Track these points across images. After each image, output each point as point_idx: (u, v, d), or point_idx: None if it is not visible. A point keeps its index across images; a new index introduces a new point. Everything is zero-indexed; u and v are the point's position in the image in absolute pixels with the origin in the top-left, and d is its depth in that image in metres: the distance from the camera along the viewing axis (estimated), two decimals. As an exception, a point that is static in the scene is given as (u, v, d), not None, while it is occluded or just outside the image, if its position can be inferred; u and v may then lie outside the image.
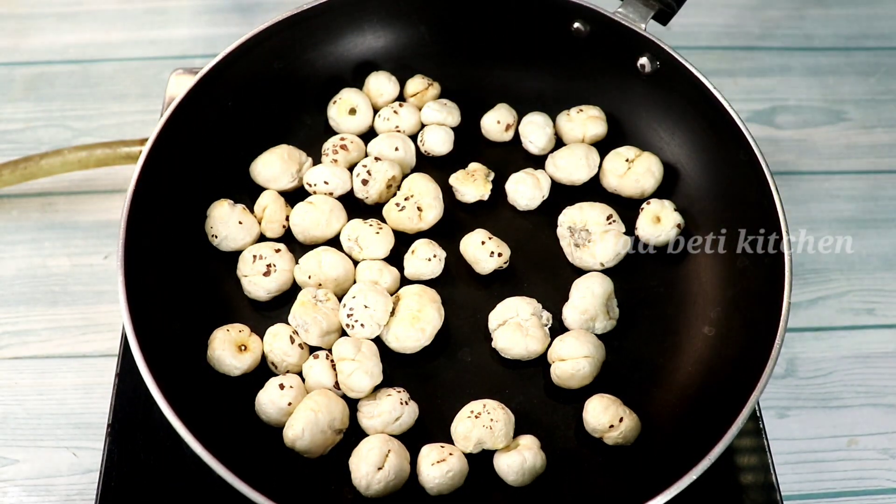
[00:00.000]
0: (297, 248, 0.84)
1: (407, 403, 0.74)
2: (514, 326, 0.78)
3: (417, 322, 0.76)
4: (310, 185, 0.85)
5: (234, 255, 0.82)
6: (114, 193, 1.00)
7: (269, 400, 0.74)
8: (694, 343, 0.80)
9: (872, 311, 0.96)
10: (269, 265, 0.80)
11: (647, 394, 0.78)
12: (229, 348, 0.76)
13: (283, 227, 0.84)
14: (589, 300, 0.79)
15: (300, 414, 0.72)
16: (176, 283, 0.79)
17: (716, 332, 0.80)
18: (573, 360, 0.76)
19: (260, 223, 0.84)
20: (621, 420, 0.74)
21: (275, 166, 0.85)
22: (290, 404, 0.74)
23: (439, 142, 0.89)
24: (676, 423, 0.76)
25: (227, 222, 0.82)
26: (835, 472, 0.86)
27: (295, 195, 0.86)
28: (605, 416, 0.74)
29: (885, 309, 0.96)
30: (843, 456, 0.87)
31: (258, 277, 0.80)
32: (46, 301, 0.93)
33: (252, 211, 0.85)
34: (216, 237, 0.82)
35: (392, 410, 0.74)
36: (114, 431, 0.78)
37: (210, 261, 0.83)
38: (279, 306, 0.81)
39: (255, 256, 0.81)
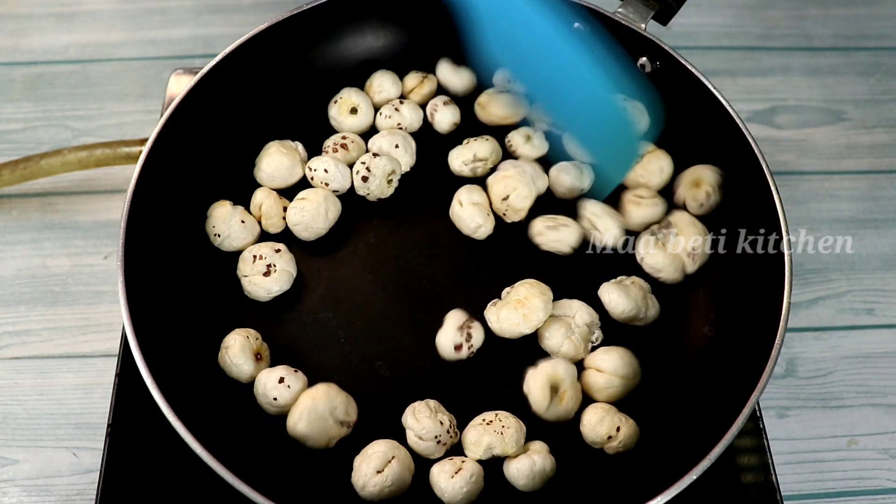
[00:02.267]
0: (298, 247, 0.84)
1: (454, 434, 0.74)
2: (564, 323, 0.78)
3: (521, 307, 0.76)
4: (310, 170, 0.85)
5: (235, 255, 0.82)
6: (114, 193, 1.00)
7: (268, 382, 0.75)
8: (694, 343, 0.80)
9: (872, 311, 0.96)
10: (269, 265, 0.80)
11: (646, 395, 0.78)
12: (248, 355, 0.76)
13: (283, 218, 0.84)
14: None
15: (301, 401, 0.73)
16: (176, 283, 0.79)
17: (716, 332, 0.80)
18: (610, 375, 0.76)
19: (259, 221, 0.84)
20: (618, 429, 0.73)
21: (279, 164, 0.85)
22: (289, 387, 0.74)
23: (448, 119, 0.90)
24: (676, 424, 0.76)
25: (229, 221, 0.82)
26: (835, 472, 0.86)
27: (298, 191, 0.86)
28: (601, 427, 0.73)
29: (885, 309, 0.96)
30: (843, 456, 0.87)
31: (258, 277, 0.80)
32: (46, 301, 0.93)
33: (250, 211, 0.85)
34: (219, 236, 0.82)
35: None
36: (114, 431, 0.78)
37: (210, 261, 0.83)
38: (279, 306, 0.81)
39: (255, 256, 0.81)
